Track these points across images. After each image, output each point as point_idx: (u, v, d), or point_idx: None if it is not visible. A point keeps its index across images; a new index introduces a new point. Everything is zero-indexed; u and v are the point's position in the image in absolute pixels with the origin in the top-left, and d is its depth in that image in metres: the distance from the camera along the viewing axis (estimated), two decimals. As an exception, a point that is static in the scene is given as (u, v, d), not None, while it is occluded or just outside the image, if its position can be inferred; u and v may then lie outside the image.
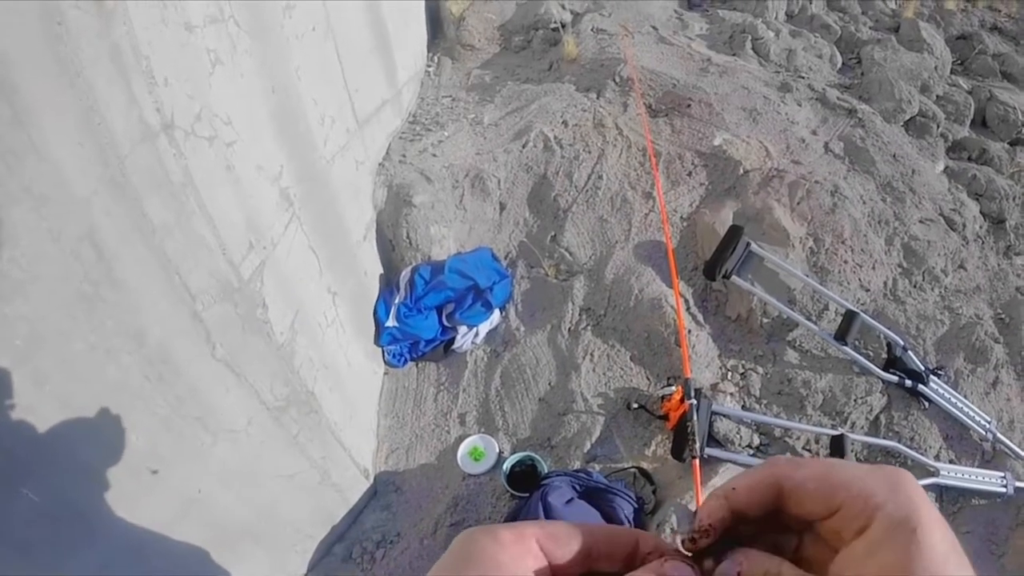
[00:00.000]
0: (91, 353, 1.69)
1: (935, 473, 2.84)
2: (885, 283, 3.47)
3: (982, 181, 3.98)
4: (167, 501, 2.05)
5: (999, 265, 3.72)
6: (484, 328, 3.51)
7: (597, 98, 4.21)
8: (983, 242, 3.81)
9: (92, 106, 1.61)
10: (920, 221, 3.69)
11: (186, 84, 1.99)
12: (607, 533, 0.47)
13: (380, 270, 3.57)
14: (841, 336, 3.11)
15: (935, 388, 3.05)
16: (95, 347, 1.70)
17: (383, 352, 3.50)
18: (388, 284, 3.57)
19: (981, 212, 3.90)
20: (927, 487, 2.84)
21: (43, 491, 1.66)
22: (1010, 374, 3.23)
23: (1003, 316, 3.44)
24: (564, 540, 0.45)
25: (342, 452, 2.89)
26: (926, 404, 3.07)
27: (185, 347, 2.00)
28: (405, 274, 3.48)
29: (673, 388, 3.05)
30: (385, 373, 3.53)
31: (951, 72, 4.84)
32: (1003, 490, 2.85)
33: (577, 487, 2.74)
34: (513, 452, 3.09)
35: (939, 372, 3.13)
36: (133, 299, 1.79)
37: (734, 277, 3.28)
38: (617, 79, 4.27)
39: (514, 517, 2.70)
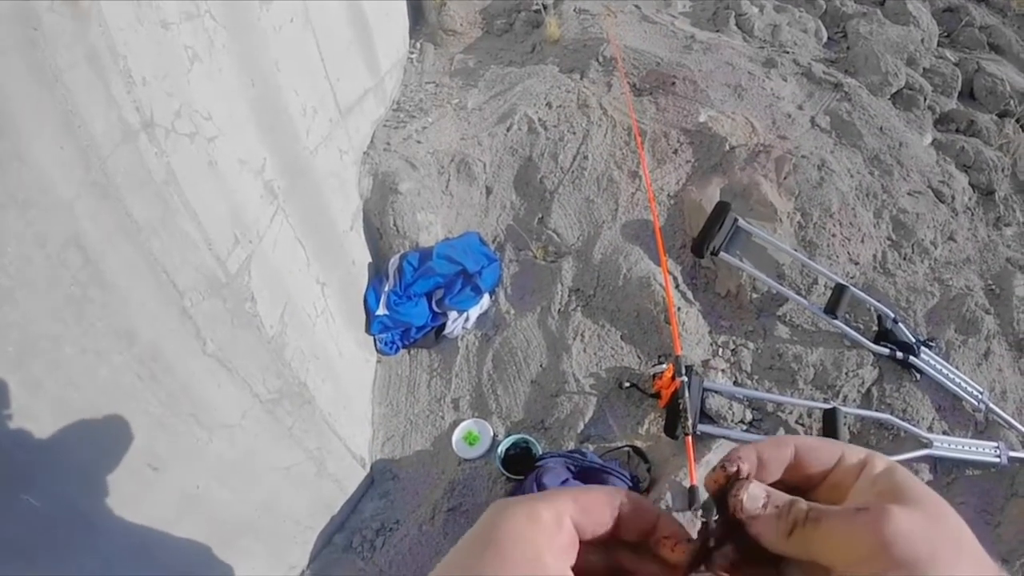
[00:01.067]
0: (83, 356, 1.68)
1: (928, 444, 2.85)
2: (874, 256, 3.47)
3: (970, 153, 3.97)
4: (166, 499, 2.05)
5: (988, 236, 3.72)
6: (474, 313, 3.51)
7: (581, 79, 4.19)
8: (972, 214, 3.82)
9: (72, 109, 1.60)
10: (908, 194, 3.69)
11: (164, 82, 1.97)
12: (635, 505, 0.47)
13: (368, 259, 3.56)
14: (831, 310, 3.11)
15: (926, 360, 3.05)
16: (86, 349, 1.69)
17: (374, 340, 3.49)
18: (377, 272, 3.56)
19: (970, 184, 3.89)
20: (920, 459, 2.86)
21: (43, 495, 1.66)
22: (1001, 345, 3.24)
23: (993, 287, 3.44)
24: (598, 513, 0.46)
25: (337, 442, 2.89)
26: (918, 376, 3.08)
27: (175, 344, 1.99)
28: (393, 262, 3.47)
29: (664, 366, 3.05)
30: (377, 361, 3.52)
31: (938, 45, 4.81)
32: (997, 460, 2.86)
33: (572, 468, 2.75)
34: (507, 435, 3.10)
35: (930, 344, 3.13)
36: (121, 300, 1.78)
37: (722, 253, 3.28)
38: (600, 59, 4.25)
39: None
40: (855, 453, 0.47)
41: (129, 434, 1.86)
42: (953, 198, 3.74)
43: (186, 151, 2.06)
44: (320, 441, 2.75)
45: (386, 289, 3.42)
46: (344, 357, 3.14)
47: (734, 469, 0.46)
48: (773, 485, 0.46)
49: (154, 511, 2.00)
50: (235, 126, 2.36)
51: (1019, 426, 2.99)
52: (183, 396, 2.02)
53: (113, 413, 1.80)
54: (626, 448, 2.96)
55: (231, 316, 2.23)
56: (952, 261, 3.54)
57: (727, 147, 3.77)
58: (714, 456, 2.81)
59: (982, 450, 2.89)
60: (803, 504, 0.43)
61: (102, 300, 1.72)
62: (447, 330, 3.47)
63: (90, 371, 1.72)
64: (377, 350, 3.51)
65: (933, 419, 3.03)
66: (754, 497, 0.44)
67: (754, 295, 3.31)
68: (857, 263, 3.42)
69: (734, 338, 3.29)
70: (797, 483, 0.48)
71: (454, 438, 3.14)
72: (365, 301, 3.44)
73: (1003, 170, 3.97)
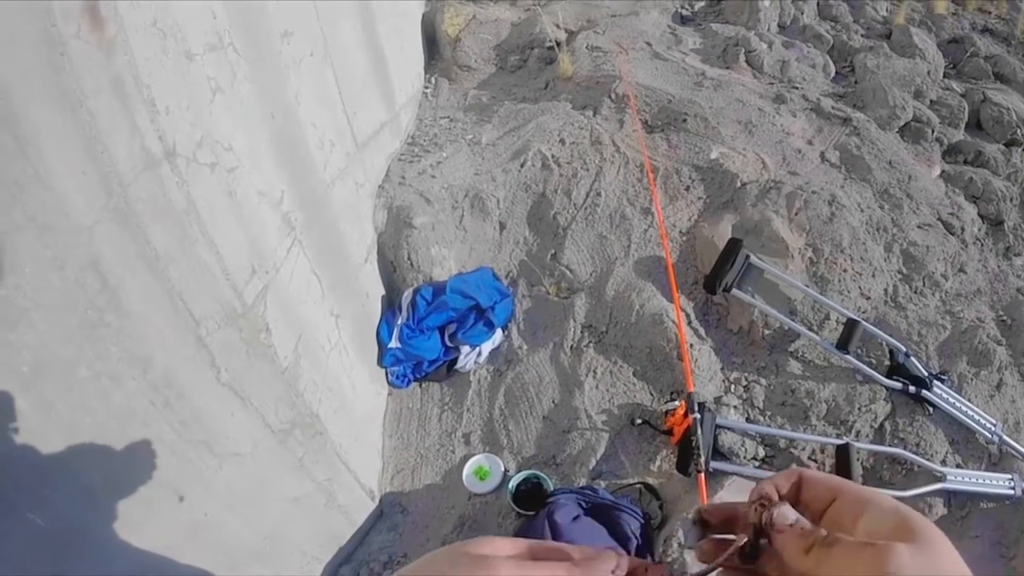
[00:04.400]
0: (96, 380, 1.70)
1: (942, 478, 2.84)
2: (885, 290, 3.48)
3: (979, 183, 3.99)
4: (174, 525, 2.06)
5: (999, 267, 3.72)
6: (487, 347, 3.52)
7: (593, 115, 4.25)
8: (982, 244, 3.83)
9: (95, 135, 1.64)
10: (918, 227, 3.70)
11: (187, 112, 2.02)
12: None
13: (382, 292, 3.59)
14: (843, 345, 3.11)
15: (939, 393, 3.04)
16: (100, 374, 1.71)
17: (386, 373, 3.51)
18: (390, 306, 3.58)
19: (979, 214, 3.91)
20: (934, 493, 2.84)
21: (50, 516, 1.67)
22: (1014, 376, 3.23)
23: (1005, 318, 3.44)
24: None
25: (347, 474, 2.89)
26: (930, 409, 3.07)
27: (190, 372, 2.02)
28: (407, 295, 3.50)
29: (677, 403, 3.05)
30: (389, 394, 3.53)
31: (944, 76, 4.87)
32: (1011, 492, 2.85)
33: (583, 504, 2.74)
34: (518, 470, 3.09)
35: (942, 377, 3.13)
36: (138, 326, 1.81)
37: (734, 290, 3.29)
38: (613, 96, 4.30)
39: (521, 536, 2.70)
40: (854, 492, 0.54)
41: (140, 459, 1.87)
42: (963, 230, 3.76)
43: (207, 181, 2.10)
44: (330, 472, 2.76)
45: (399, 322, 3.44)
46: (356, 389, 3.16)
47: (767, 492, 0.56)
48: None
49: (161, 537, 2.00)
50: (255, 157, 2.41)
51: (1033, 458, 2.97)
52: (196, 424, 2.04)
53: (125, 438, 1.82)
54: (638, 485, 2.95)
55: (246, 346, 2.26)
56: (963, 293, 3.54)
57: (738, 183, 3.80)
58: (726, 493, 2.80)
59: (996, 482, 2.88)
60: (823, 530, 0.50)
61: (118, 325, 1.74)
62: (459, 364, 3.49)
63: (103, 395, 1.74)
64: (389, 383, 3.53)
65: (947, 452, 3.01)
66: (784, 515, 0.53)
67: (766, 331, 3.32)
68: (868, 298, 3.43)
69: (746, 374, 3.29)
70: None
71: (465, 472, 3.14)
72: (378, 334, 3.46)
73: (1012, 199, 3.99)
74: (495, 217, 3.89)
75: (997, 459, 3.01)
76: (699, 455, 2.74)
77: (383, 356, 3.44)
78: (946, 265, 3.58)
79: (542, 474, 3.02)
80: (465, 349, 3.47)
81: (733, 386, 3.25)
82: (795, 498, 0.56)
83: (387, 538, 3.05)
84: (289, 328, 2.56)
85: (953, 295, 3.52)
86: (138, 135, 1.80)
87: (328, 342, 2.92)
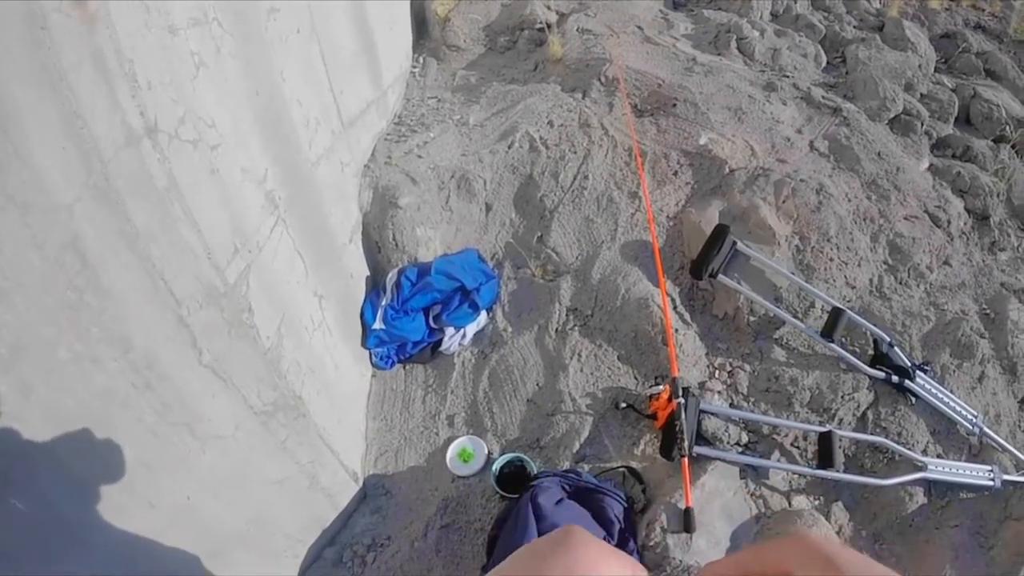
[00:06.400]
0: (77, 361, 1.66)
1: (923, 468, 2.86)
2: (871, 280, 3.49)
3: (966, 178, 4.00)
4: (156, 509, 2.03)
5: (984, 261, 3.74)
6: (471, 329, 3.50)
7: (583, 98, 4.21)
8: (968, 238, 3.84)
9: (75, 111, 1.59)
10: (905, 218, 3.71)
11: (169, 87, 1.96)
12: None
13: (366, 272, 3.56)
14: (827, 333, 3.12)
15: (921, 383, 3.06)
16: (80, 355, 1.67)
17: (370, 355, 3.48)
18: (375, 286, 3.55)
19: (966, 209, 3.92)
20: (915, 482, 2.86)
21: (30, 500, 1.64)
22: (996, 369, 3.25)
23: (988, 312, 3.46)
24: None
25: (331, 456, 2.87)
26: (913, 399, 3.09)
27: (171, 353, 1.97)
28: (391, 276, 3.47)
29: (661, 387, 3.05)
30: (372, 376, 3.51)
31: (935, 70, 4.87)
32: (991, 483, 2.87)
33: (567, 487, 2.74)
34: (502, 453, 3.08)
35: (925, 368, 3.14)
36: (118, 306, 1.77)
37: (720, 276, 3.29)
38: (603, 79, 4.27)
39: (504, 518, 2.69)
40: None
41: (121, 442, 1.84)
42: (949, 223, 3.77)
43: (189, 158, 2.05)
44: (313, 454, 2.73)
45: (383, 303, 3.41)
46: (340, 370, 3.13)
47: None
48: None
49: (144, 521, 1.97)
50: (238, 135, 2.36)
51: (1013, 450, 3.00)
52: (177, 405, 2.00)
53: (106, 420, 1.78)
54: (622, 469, 2.95)
55: (228, 326, 2.22)
56: (947, 285, 3.55)
57: (727, 170, 3.79)
58: (709, 478, 2.81)
59: (976, 473, 2.90)
60: None
61: (98, 305, 1.70)
62: (443, 346, 3.47)
63: (84, 377, 1.70)
64: (372, 364, 3.50)
65: (928, 442, 3.03)
66: None
67: (751, 318, 3.32)
68: (854, 287, 3.43)
69: (731, 360, 3.29)
70: None
71: (448, 455, 3.13)
72: (362, 315, 3.43)
73: (998, 195, 4.01)
74: (481, 198, 3.86)
75: (977, 450, 3.04)
76: (683, 440, 2.75)
77: (367, 337, 3.41)
78: (931, 257, 3.59)
79: (526, 457, 3.01)
80: (449, 331, 3.45)
81: (717, 372, 3.25)
82: None
83: (371, 520, 3.04)
84: (272, 308, 2.52)
85: (938, 287, 3.53)
86: (119, 110, 1.74)
87: (311, 323, 2.89)
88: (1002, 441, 3.00)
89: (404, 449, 3.25)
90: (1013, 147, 4.34)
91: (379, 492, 3.14)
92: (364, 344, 3.43)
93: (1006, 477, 2.89)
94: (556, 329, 3.43)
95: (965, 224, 3.87)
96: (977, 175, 4.02)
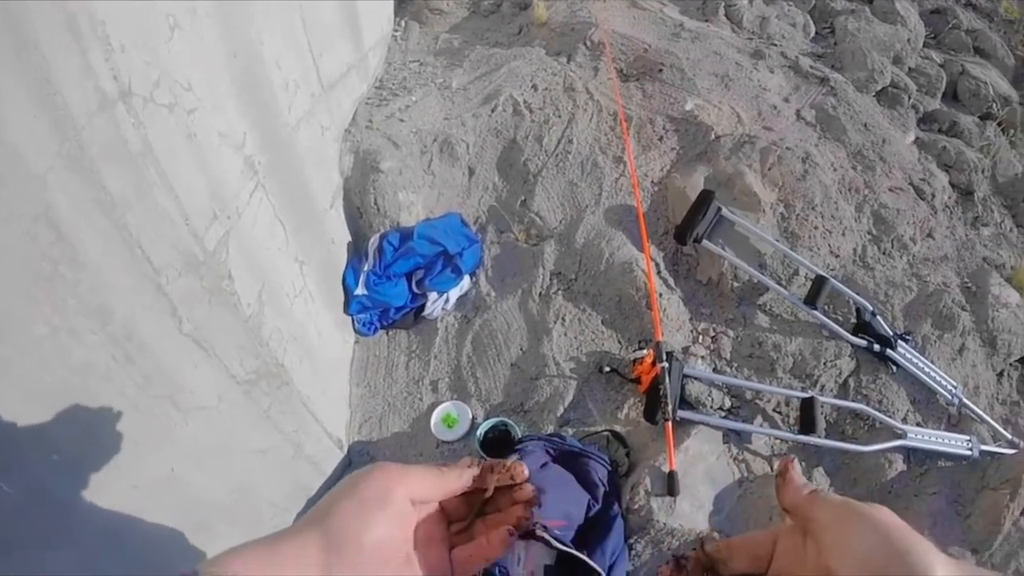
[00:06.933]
0: (54, 336, 1.60)
1: (902, 435, 2.88)
2: (854, 249, 3.49)
3: (952, 153, 4.02)
4: (140, 484, 1.98)
5: (966, 235, 3.76)
6: (454, 294, 3.46)
7: (567, 62, 4.15)
8: (951, 212, 3.86)
9: (46, 77, 1.51)
10: (890, 190, 3.71)
11: (144, 50, 1.88)
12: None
13: (348, 238, 3.50)
14: (811, 300, 3.12)
15: (903, 353, 3.07)
16: (58, 329, 1.61)
17: (353, 321, 3.43)
18: (356, 252, 3.50)
19: (950, 183, 3.94)
20: (895, 449, 2.89)
21: (14, 481, 1.58)
22: (976, 341, 3.27)
23: (970, 285, 3.48)
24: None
25: (315, 424, 2.84)
26: (894, 368, 3.10)
27: (151, 323, 1.91)
28: (374, 241, 3.42)
29: (645, 351, 3.04)
30: (355, 342, 3.47)
31: (924, 45, 4.85)
32: (969, 453, 2.90)
33: (551, 451, 2.72)
34: (486, 418, 3.07)
35: (907, 337, 3.16)
36: (95, 276, 1.70)
37: (705, 241, 3.27)
38: (588, 43, 4.21)
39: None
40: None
41: (103, 417, 1.79)
42: (933, 196, 3.77)
43: (164, 122, 1.97)
44: (297, 423, 2.70)
45: (365, 269, 3.36)
46: (322, 337, 3.09)
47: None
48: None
49: (128, 495, 1.92)
50: (216, 98, 2.27)
51: (991, 421, 3.03)
52: (159, 377, 1.95)
53: (87, 396, 1.72)
54: (605, 432, 2.94)
55: (208, 294, 2.16)
56: (930, 258, 3.57)
57: (712, 136, 3.76)
58: (693, 442, 2.81)
59: (955, 443, 2.93)
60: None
61: (74, 277, 1.63)
62: (426, 311, 3.43)
63: (62, 351, 1.64)
64: (355, 330, 3.46)
65: (908, 411, 3.05)
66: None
67: (735, 284, 3.31)
68: (837, 256, 3.43)
69: (715, 325, 3.28)
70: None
71: (432, 420, 3.11)
72: (344, 281, 3.38)
73: (983, 171, 4.02)
74: (464, 162, 3.80)
75: (956, 420, 3.07)
76: (666, 404, 2.74)
77: (349, 303, 3.37)
78: (915, 229, 3.59)
79: (510, 421, 2.99)
80: (432, 296, 3.41)
81: (701, 336, 3.24)
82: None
83: (354, 486, 3.01)
84: (252, 275, 2.46)
85: (920, 259, 3.55)
86: (92, 75, 1.66)
87: (293, 289, 2.83)
88: (980, 412, 3.03)
89: (388, 415, 3.22)
90: (999, 124, 4.36)
91: (364, 459, 3.12)
92: (346, 310, 3.38)
93: (984, 447, 2.92)
94: (540, 293, 3.40)
95: (949, 198, 3.88)
96: (963, 150, 4.03)
